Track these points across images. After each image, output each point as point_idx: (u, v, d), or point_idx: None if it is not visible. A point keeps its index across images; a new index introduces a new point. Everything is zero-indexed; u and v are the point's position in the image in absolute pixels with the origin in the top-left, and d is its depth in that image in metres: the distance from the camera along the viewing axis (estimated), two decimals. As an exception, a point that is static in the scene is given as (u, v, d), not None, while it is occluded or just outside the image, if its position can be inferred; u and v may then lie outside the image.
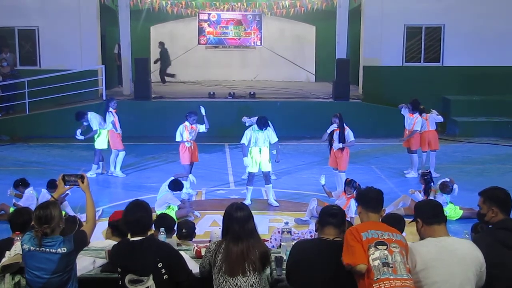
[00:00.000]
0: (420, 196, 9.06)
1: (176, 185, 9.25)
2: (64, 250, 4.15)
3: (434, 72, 17.75)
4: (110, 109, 11.72)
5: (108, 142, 11.80)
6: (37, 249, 4.15)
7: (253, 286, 4.15)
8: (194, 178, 10.27)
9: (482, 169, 12.44)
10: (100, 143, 11.77)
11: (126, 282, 4.17)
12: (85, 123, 11.84)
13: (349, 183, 8.76)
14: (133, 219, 4.28)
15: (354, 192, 8.70)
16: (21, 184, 9.06)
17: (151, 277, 4.14)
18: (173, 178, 9.40)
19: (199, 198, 10.40)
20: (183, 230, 6.17)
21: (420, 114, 11.70)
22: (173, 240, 5.63)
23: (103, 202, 9.93)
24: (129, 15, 17.35)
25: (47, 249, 4.13)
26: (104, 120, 11.75)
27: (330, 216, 4.17)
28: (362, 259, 3.76)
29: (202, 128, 10.70)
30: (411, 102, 11.81)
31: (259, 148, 9.78)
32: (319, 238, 4.18)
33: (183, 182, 10.23)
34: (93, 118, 11.72)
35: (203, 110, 10.89)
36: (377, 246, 3.80)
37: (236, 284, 4.13)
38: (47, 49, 17.20)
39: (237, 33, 19.56)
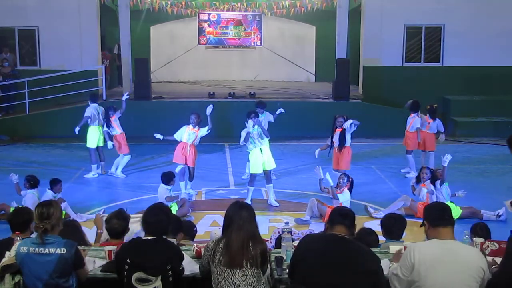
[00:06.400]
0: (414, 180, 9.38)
1: (166, 177, 9.23)
2: (63, 251, 4.19)
3: (434, 72, 17.75)
4: (113, 116, 11.62)
5: (104, 141, 11.78)
6: (36, 249, 4.17)
7: (251, 285, 4.16)
8: (193, 192, 10.20)
9: (482, 169, 12.45)
10: (90, 141, 11.72)
11: (133, 280, 4.18)
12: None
13: (341, 179, 9.06)
14: (154, 220, 4.35)
15: (347, 183, 8.99)
16: (32, 183, 8.92)
17: (159, 278, 4.18)
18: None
19: (199, 198, 10.40)
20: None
21: (433, 117, 11.72)
22: (174, 240, 5.62)
23: (103, 202, 9.93)
24: (129, 15, 17.36)
25: (47, 249, 4.16)
26: (103, 120, 11.74)
27: (341, 216, 4.16)
28: None
29: (203, 130, 10.40)
30: (411, 103, 11.84)
31: (260, 148, 9.77)
32: (329, 233, 4.14)
33: (181, 182, 10.25)
34: (90, 107, 11.69)
35: (209, 110, 10.45)
36: None
37: (235, 283, 4.14)
38: (47, 49, 17.21)
39: (237, 33, 19.55)
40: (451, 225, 4.02)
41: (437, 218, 4.02)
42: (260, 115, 10.64)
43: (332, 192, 8.94)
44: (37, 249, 4.21)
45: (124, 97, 11.99)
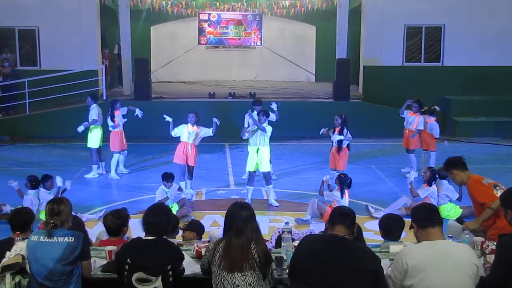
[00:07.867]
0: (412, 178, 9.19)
1: (166, 177, 9.22)
2: (71, 239, 4.31)
3: (434, 72, 17.75)
4: (117, 111, 11.60)
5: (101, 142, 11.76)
6: (46, 238, 4.29)
7: (251, 285, 4.16)
8: (193, 192, 10.24)
9: (482, 169, 12.33)
10: (92, 141, 11.69)
11: (134, 280, 4.19)
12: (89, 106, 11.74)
13: (340, 180, 8.98)
14: (154, 220, 4.38)
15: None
16: (34, 183, 8.88)
17: (160, 278, 4.20)
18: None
19: (199, 198, 10.40)
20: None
21: (423, 114, 11.72)
22: (174, 240, 5.64)
23: (103, 202, 9.93)
24: (129, 15, 17.37)
25: (55, 237, 4.30)
26: (106, 120, 11.71)
27: (342, 216, 4.15)
28: (495, 197, 5.66)
29: (207, 131, 10.39)
30: (416, 101, 11.81)
31: (257, 148, 9.77)
32: (330, 233, 4.14)
33: (181, 182, 10.24)
34: (94, 108, 11.65)
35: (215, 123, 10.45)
36: (495, 187, 5.92)
37: (234, 283, 4.14)
38: (47, 50, 17.21)
39: (237, 33, 19.56)
40: (439, 225, 4.02)
41: (425, 219, 4.02)
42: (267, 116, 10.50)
43: (320, 190, 9.07)
44: (47, 238, 4.33)
45: (137, 112, 11.78)
